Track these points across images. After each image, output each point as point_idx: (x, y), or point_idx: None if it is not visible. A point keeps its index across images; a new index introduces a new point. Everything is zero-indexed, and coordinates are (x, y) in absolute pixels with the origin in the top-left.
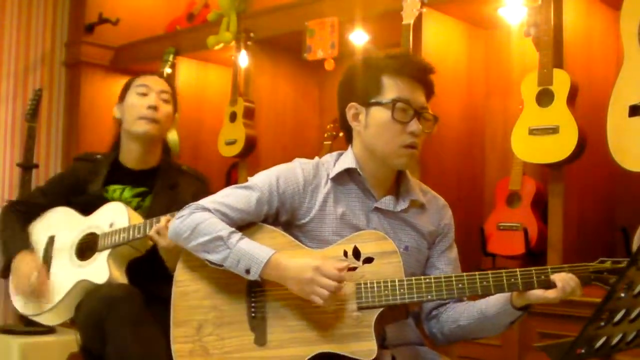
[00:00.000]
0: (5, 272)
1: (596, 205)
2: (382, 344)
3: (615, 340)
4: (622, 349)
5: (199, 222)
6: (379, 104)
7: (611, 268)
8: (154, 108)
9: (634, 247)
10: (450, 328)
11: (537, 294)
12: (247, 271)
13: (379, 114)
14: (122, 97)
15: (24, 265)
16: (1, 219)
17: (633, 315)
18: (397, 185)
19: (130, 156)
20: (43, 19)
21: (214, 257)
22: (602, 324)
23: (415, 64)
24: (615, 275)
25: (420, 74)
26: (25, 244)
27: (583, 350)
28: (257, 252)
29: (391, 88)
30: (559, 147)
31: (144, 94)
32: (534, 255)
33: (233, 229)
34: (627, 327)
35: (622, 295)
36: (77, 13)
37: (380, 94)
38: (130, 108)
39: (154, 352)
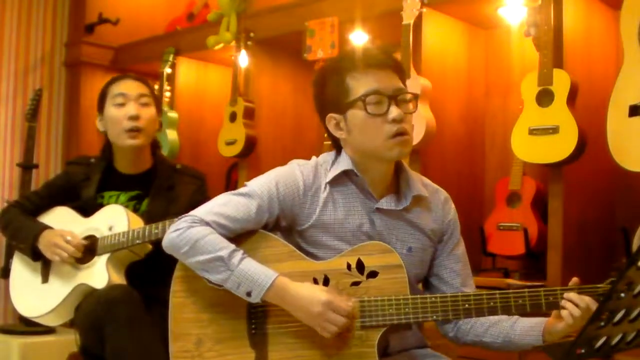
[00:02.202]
0: (6, 272)
1: (596, 205)
2: (385, 351)
3: (615, 340)
4: (622, 349)
5: (198, 238)
6: (350, 105)
7: None
8: (135, 118)
9: (634, 247)
10: (473, 340)
11: (562, 328)
12: (248, 294)
13: (355, 115)
14: (101, 108)
15: (54, 235)
16: (3, 216)
17: (633, 315)
18: (397, 181)
19: (122, 163)
20: (43, 19)
21: (214, 277)
22: (602, 324)
23: (370, 51)
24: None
25: (379, 59)
26: (44, 225)
27: (583, 350)
28: (258, 275)
29: (357, 85)
30: (559, 147)
31: (122, 104)
32: (534, 255)
33: (234, 247)
34: (627, 327)
35: (622, 295)
36: (77, 13)
37: (349, 95)
38: (112, 121)
39: (152, 353)
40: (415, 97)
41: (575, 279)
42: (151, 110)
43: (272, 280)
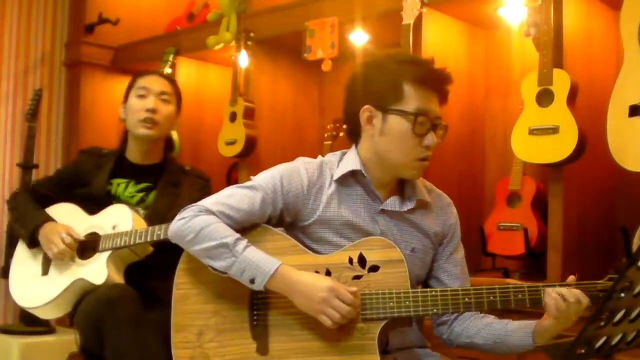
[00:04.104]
0: (5, 272)
1: (596, 205)
2: (385, 348)
3: (615, 340)
4: (622, 349)
5: (203, 225)
6: (399, 113)
7: None
8: (152, 111)
9: (634, 247)
10: (465, 342)
11: (549, 323)
12: (252, 281)
13: (398, 124)
14: (126, 97)
15: (53, 230)
16: (14, 198)
17: (633, 315)
18: (402, 184)
19: (134, 152)
20: (43, 19)
21: (218, 264)
22: (602, 324)
23: (437, 74)
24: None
25: (440, 86)
26: (48, 216)
27: (583, 350)
28: (262, 262)
29: (412, 98)
30: (559, 147)
31: (143, 96)
32: (534, 255)
33: (238, 236)
34: (627, 327)
35: (622, 295)
36: (77, 13)
37: (400, 102)
38: (131, 110)
39: (152, 352)
40: (446, 129)
41: (572, 277)
42: (169, 108)
43: (276, 267)
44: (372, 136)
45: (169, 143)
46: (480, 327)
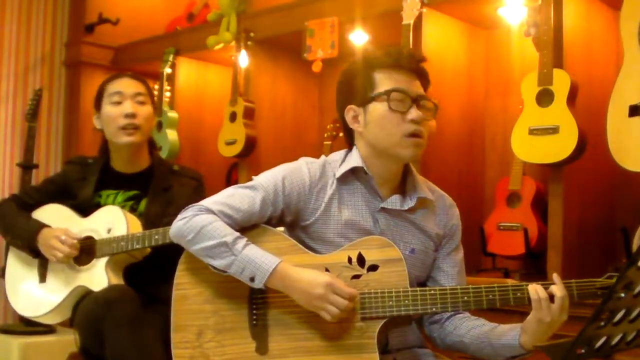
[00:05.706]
0: (4, 272)
1: (596, 205)
2: (384, 348)
3: (615, 340)
4: (622, 349)
5: (203, 225)
6: (374, 98)
7: None
8: (132, 115)
9: (634, 247)
10: (454, 341)
11: (531, 318)
12: (252, 279)
13: (376, 109)
14: (98, 105)
15: (51, 235)
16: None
17: (633, 315)
18: (404, 183)
19: (119, 162)
20: (43, 19)
21: (218, 263)
22: (602, 324)
23: (405, 54)
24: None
25: (411, 64)
26: (41, 224)
27: (583, 350)
28: (262, 260)
29: (384, 81)
30: (559, 147)
31: (119, 102)
32: (534, 255)
33: (238, 234)
34: (627, 327)
35: (622, 295)
36: (77, 13)
37: (373, 89)
38: (108, 119)
39: (151, 352)
40: (436, 107)
41: (556, 275)
42: (147, 109)
43: (275, 264)
44: (361, 132)
45: (151, 143)
46: (470, 327)
